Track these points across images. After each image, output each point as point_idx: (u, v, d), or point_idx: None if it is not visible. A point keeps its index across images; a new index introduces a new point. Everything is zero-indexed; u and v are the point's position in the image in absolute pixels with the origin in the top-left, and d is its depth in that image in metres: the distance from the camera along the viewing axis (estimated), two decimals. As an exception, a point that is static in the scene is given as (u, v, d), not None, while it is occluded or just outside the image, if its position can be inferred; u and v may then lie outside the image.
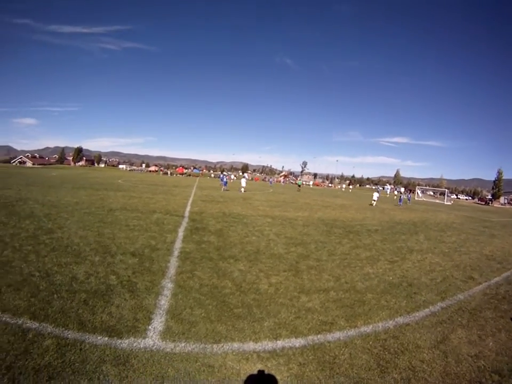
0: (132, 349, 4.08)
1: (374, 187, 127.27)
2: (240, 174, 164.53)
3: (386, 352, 4.61)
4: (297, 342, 4.68)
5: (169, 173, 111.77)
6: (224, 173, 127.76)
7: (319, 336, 4.91)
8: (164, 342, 4.33)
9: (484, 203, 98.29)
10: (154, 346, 4.20)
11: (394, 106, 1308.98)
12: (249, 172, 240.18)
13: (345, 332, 5.14)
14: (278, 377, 3.83)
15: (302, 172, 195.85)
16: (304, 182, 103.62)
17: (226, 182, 42.54)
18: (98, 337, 4.25)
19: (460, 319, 6.10)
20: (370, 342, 4.87)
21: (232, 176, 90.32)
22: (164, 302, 5.58)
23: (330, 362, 4.24)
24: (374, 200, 37.48)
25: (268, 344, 4.53)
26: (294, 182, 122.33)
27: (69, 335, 4.22)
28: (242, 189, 38.87)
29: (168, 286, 6.32)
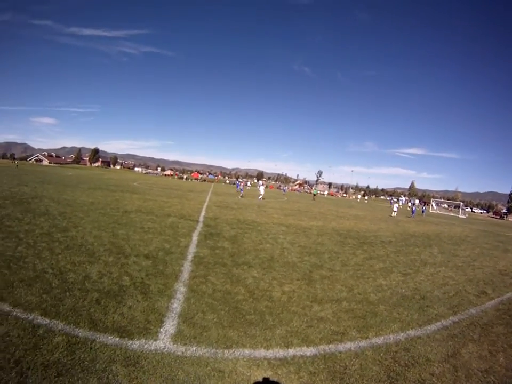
0: (142, 350, 4.11)
1: (389, 198, 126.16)
2: (255, 181, 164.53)
3: (397, 364, 4.60)
4: (308, 351, 4.68)
5: (184, 177, 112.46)
6: (240, 179, 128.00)
7: (330, 346, 4.91)
8: (175, 345, 4.35)
9: (498, 217, 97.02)
10: (165, 349, 4.22)
11: (410, 117, 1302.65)
12: (264, 179, 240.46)
13: (356, 342, 5.13)
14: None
15: (317, 181, 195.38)
16: (319, 192, 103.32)
17: (242, 189, 42.63)
18: (109, 337, 4.28)
19: (471, 334, 6.05)
20: (381, 354, 4.86)
21: (249, 183, 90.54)
22: (176, 305, 5.62)
23: (341, 372, 4.24)
24: (394, 211, 38.07)
25: (279, 352, 4.54)
26: (309, 191, 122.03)
27: (80, 333, 4.27)
28: (261, 197, 39.05)
29: (181, 289, 6.36)
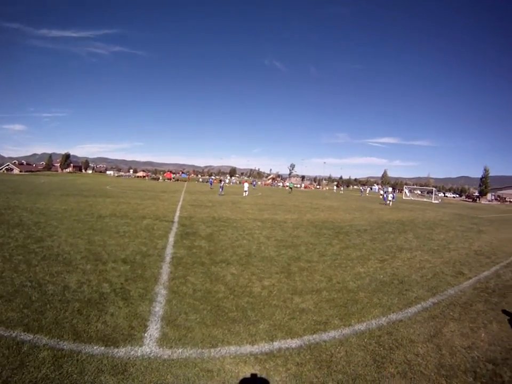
0: (129, 358, 4.07)
1: (361, 187, 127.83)
2: (229, 178, 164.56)
3: (382, 348, 4.73)
4: (293, 342, 4.75)
5: (160, 178, 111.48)
6: (213, 177, 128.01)
7: (314, 336, 4.99)
8: (161, 348, 4.34)
9: (471, 200, 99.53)
10: (152, 354, 4.20)
11: (383, 107, 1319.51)
12: (237, 175, 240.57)
13: (340, 330, 5.23)
14: (277, 378, 3.90)
15: (290, 174, 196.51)
16: (294, 185, 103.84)
17: (222, 187, 42.68)
18: (95, 347, 4.22)
19: (451, 313, 6.27)
20: (365, 339, 4.98)
21: (227, 181, 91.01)
22: (159, 308, 5.59)
23: (327, 360, 4.32)
24: (390, 200, 40.82)
25: (264, 346, 4.59)
26: (282, 185, 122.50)
27: (65, 346, 4.19)
28: (246, 193, 40.99)
29: (161, 292, 6.33)
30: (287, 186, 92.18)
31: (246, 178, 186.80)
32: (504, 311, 6.63)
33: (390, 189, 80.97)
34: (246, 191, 41.72)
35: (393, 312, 6.12)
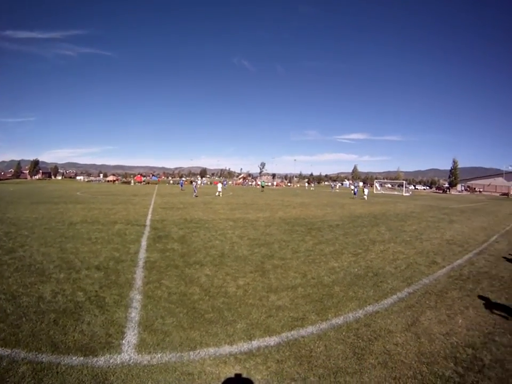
0: (109, 366, 3.98)
1: (333, 183, 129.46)
2: (199, 178, 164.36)
3: (360, 340, 4.75)
4: (272, 340, 4.72)
5: (132, 181, 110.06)
6: (183, 178, 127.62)
7: (292, 332, 4.98)
8: (140, 355, 4.26)
9: (441, 191, 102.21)
10: (131, 361, 4.11)
11: (351, 104, 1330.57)
12: (207, 176, 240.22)
13: (317, 325, 5.23)
14: (258, 377, 3.87)
15: (260, 173, 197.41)
16: (266, 184, 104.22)
17: (196, 188, 42.59)
18: (74, 358, 4.11)
19: (427, 302, 6.37)
20: (344, 333, 4.99)
21: (199, 182, 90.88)
22: (135, 314, 5.49)
23: (307, 356, 4.31)
24: (365, 195, 42.95)
25: (243, 346, 4.55)
26: (252, 183, 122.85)
27: (44, 359, 4.06)
28: (219, 193, 41.28)
29: (136, 297, 6.22)
30: (259, 185, 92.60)
31: (217, 178, 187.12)
32: (480, 297, 6.79)
33: (361, 184, 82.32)
34: (219, 191, 42.09)
35: (369, 304, 6.17)
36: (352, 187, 64.53)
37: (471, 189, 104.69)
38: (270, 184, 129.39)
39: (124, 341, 4.58)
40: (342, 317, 5.58)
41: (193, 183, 53.50)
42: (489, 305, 6.32)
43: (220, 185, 45.01)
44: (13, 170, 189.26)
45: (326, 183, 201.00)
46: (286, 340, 4.74)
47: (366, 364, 4.15)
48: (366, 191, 44.96)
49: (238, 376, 3.89)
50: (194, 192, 40.81)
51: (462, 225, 18.63)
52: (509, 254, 11.05)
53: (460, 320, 5.57)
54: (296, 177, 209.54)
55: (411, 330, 5.10)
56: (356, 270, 8.52)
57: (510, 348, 4.73)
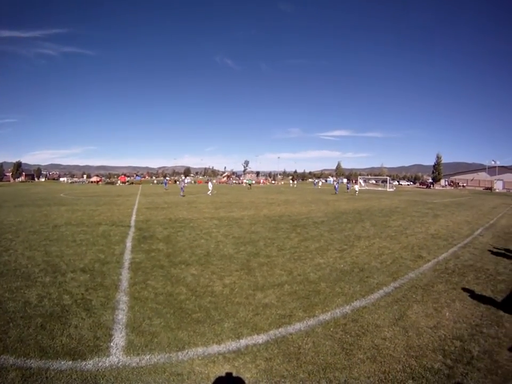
0: (98, 369, 3.96)
1: (314, 180, 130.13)
2: (183, 177, 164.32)
3: (348, 336, 4.78)
4: (260, 338, 4.73)
5: (118, 182, 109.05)
6: (167, 177, 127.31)
7: (280, 329, 4.99)
8: (129, 357, 4.24)
9: (425, 187, 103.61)
10: (120, 363, 4.10)
11: (334, 101, 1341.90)
12: (191, 175, 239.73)
13: (305, 322, 5.26)
14: (248, 375, 3.88)
15: (244, 171, 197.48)
16: (253, 181, 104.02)
17: (183, 188, 42.29)
18: (62, 362, 4.07)
19: (414, 296, 6.45)
20: (331, 328, 5.02)
21: (186, 181, 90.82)
22: (122, 316, 5.45)
23: (296, 353, 4.33)
24: (356, 191, 46.54)
25: (231, 345, 4.56)
26: (237, 182, 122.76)
27: (32, 364, 4.02)
28: (210, 192, 42.50)
29: (123, 299, 6.17)
30: (245, 183, 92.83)
31: (200, 177, 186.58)
32: (466, 289, 6.89)
33: (345, 180, 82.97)
34: (210, 190, 43.07)
35: (356, 300, 6.21)
36: (335, 184, 65.45)
37: (455, 184, 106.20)
38: (254, 182, 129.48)
39: (112, 344, 4.55)
40: (329, 313, 5.62)
41: (180, 182, 53.25)
42: (476, 297, 6.43)
43: (210, 184, 45.84)
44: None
45: (310, 180, 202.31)
46: (274, 337, 4.75)
47: (354, 359, 4.18)
48: (356, 187, 48.62)
49: (228, 375, 3.90)
50: (181, 191, 40.49)
51: (446, 220, 18.90)
52: (493, 247, 11.23)
53: (447, 313, 5.65)
54: (280, 174, 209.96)
55: (399, 325, 5.16)
56: (342, 265, 8.57)
57: (498, 339, 4.81)
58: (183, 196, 38.15)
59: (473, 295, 6.58)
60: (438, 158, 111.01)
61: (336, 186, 53.46)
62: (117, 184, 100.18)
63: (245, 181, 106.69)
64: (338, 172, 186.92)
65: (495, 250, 10.83)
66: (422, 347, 4.49)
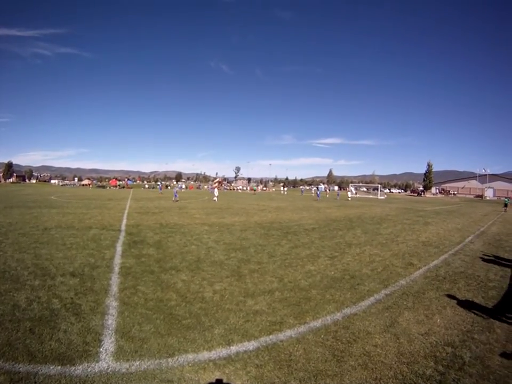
0: (87, 375, 3.92)
1: (302, 188, 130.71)
2: (174, 182, 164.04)
3: (339, 343, 4.79)
4: (251, 345, 4.72)
5: (110, 186, 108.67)
6: (160, 182, 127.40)
7: (271, 336, 4.99)
8: (118, 362, 4.21)
9: (416, 194, 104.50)
10: (109, 369, 4.06)
11: (327, 108, 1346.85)
12: (183, 180, 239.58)
13: (295, 329, 5.26)
14: (238, 382, 3.86)
15: (236, 177, 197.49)
16: (243, 188, 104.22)
17: (176, 193, 42.11)
18: (51, 367, 4.03)
19: (405, 303, 6.49)
20: (322, 335, 5.03)
21: (183, 186, 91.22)
22: (111, 321, 5.41)
23: (287, 360, 4.33)
24: (349, 197, 49.79)
25: (222, 351, 4.54)
26: (228, 188, 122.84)
27: (21, 369, 3.98)
28: (216, 198, 42.21)
29: (113, 304, 6.13)
30: (234, 189, 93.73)
31: (192, 183, 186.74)
32: (457, 296, 6.94)
33: (336, 188, 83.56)
34: (216, 196, 42.99)
35: (347, 307, 6.24)
36: (317, 191, 66.37)
37: (446, 192, 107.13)
38: (245, 188, 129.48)
39: (101, 349, 4.52)
40: (320, 320, 5.62)
41: (174, 188, 53.06)
42: (467, 304, 6.49)
43: (216, 190, 46.34)
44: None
45: (301, 187, 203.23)
46: (264, 344, 4.74)
47: (346, 366, 4.19)
48: (349, 193, 52.51)
49: (218, 381, 3.88)
50: (175, 197, 40.27)
51: (437, 227, 19.06)
52: (484, 254, 11.32)
53: (438, 320, 5.69)
54: (271, 181, 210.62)
55: (390, 331, 5.18)
56: (333, 273, 8.59)
57: (489, 345, 4.87)
58: (177, 201, 38.03)
59: (464, 301, 6.64)
60: (429, 166, 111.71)
61: (318, 193, 57.64)
62: (108, 188, 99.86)
63: (239, 186, 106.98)
64: (330, 179, 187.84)
65: (486, 257, 10.95)
66: (414, 353, 4.52)
